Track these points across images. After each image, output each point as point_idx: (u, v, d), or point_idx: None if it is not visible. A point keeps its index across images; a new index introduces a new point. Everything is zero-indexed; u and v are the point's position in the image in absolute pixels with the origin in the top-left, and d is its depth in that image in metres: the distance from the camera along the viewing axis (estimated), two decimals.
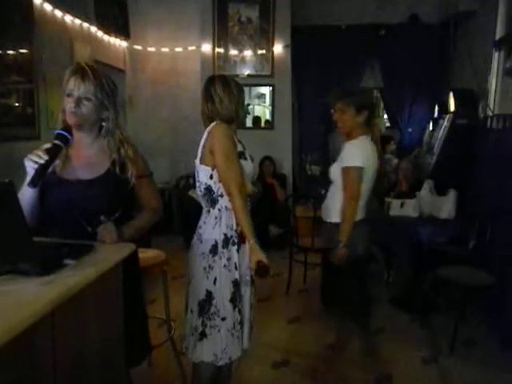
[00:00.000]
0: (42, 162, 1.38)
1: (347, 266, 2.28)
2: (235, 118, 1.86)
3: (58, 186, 1.53)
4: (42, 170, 1.39)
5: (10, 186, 1.02)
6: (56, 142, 1.45)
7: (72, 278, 1.16)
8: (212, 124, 1.79)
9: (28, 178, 1.43)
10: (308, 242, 3.64)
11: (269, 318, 3.14)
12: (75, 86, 1.50)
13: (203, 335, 1.80)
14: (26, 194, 1.49)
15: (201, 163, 1.79)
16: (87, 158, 1.59)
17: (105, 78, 1.57)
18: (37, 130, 3.32)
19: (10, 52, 3.13)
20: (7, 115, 3.03)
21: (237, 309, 1.81)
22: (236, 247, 1.80)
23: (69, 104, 1.51)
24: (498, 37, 3.95)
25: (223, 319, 1.79)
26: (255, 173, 1.81)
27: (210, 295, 1.78)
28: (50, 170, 1.49)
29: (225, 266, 1.79)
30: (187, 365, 2.15)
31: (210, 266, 1.79)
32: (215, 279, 1.78)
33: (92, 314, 1.29)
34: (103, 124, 1.60)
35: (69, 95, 1.51)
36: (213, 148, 1.73)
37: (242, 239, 1.77)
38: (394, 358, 2.71)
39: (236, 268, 1.80)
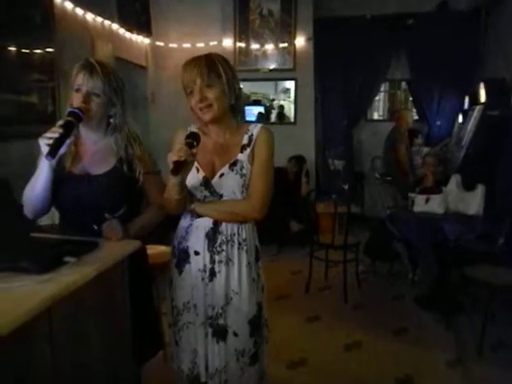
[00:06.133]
0: (56, 135, 1.37)
1: None
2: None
3: (68, 181, 1.53)
4: (57, 142, 1.37)
5: (5, 184, 1.01)
6: (68, 118, 1.43)
7: (70, 275, 1.15)
8: None
9: (44, 157, 1.42)
10: (329, 239, 3.55)
11: (287, 316, 3.08)
12: (83, 81, 1.50)
13: None
14: (42, 174, 1.48)
15: None
16: (95, 154, 1.59)
17: (113, 75, 1.57)
18: None
19: (31, 50, 3.18)
20: (28, 113, 3.08)
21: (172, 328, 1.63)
22: (174, 264, 1.60)
23: (77, 99, 1.50)
24: None
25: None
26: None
27: None
28: (61, 165, 1.50)
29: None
30: None
31: None
32: None
33: (93, 311, 1.27)
34: (111, 121, 1.59)
35: (77, 90, 1.51)
36: None
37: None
38: (417, 359, 2.61)
39: (171, 284, 1.62)
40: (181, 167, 1.31)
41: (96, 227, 1.48)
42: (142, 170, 1.57)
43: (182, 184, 1.42)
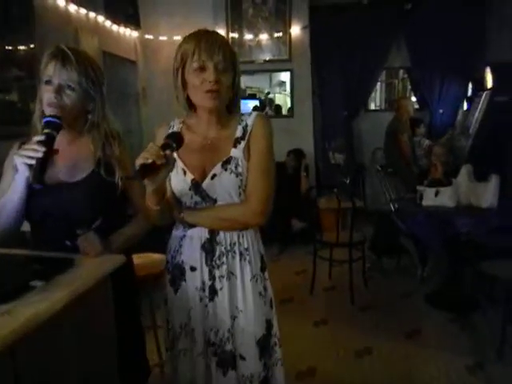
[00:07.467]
0: (39, 155, 1.15)
1: None
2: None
3: (37, 192, 1.30)
4: (42, 163, 1.16)
5: None
6: (47, 130, 1.21)
7: (37, 304, 0.95)
8: None
9: (20, 176, 1.23)
10: (333, 237, 3.36)
11: (292, 321, 2.89)
12: (55, 72, 1.29)
13: None
14: (16, 194, 1.28)
15: None
16: (70, 158, 1.37)
17: (90, 64, 1.36)
18: None
19: (10, 45, 2.96)
20: (8, 112, 2.87)
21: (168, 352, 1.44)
22: (169, 281, 1.38)
23: (47, 93, 1.29)
24: None
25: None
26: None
27: None
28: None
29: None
30: None
31: None
32: None
33: (70, 341, 1.07)
34: (89, 117, 1.38)
35: (47, 82, 1.30)
36: None
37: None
38: (433, 364, 2.43)
39: (166, 304, 1.40)
40: (148, 171, 1.08)
41: (69, 243, 1.27)
42: (121, 174, 1.36)
43: (158, 192, 1.20)
